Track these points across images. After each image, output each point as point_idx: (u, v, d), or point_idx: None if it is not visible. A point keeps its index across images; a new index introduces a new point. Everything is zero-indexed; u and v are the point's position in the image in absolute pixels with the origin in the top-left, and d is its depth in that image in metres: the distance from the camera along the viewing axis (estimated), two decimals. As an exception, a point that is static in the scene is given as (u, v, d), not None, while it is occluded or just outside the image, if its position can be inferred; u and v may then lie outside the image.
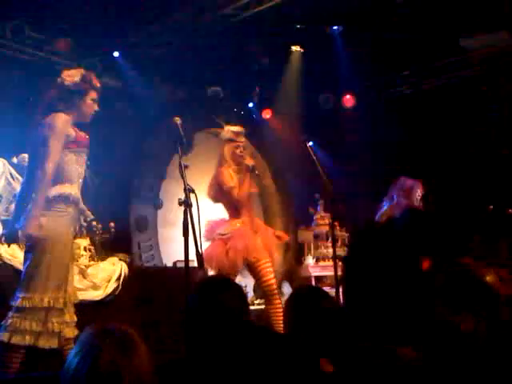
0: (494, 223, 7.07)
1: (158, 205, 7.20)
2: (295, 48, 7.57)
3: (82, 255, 5.24)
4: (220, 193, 5.09)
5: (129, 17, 6.40)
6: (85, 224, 5.51)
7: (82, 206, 3.84)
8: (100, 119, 6.74)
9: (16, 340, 3.55)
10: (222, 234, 5.02)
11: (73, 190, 3.78)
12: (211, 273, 4.97)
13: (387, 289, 2.14)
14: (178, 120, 3.71)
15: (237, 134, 5.18)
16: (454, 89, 8.21)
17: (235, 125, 5.36)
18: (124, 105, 7.24)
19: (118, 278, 5.21)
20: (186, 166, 3.58)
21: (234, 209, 5.11)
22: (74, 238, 5.18)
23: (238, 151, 5.12)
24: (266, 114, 8.81)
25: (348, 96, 8.84)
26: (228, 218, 5.16)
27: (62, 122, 3.75)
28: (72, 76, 3.88)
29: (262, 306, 6.75)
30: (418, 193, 5.80)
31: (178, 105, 7.21)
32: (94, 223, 5.61)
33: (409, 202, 5.64)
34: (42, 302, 3.59)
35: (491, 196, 7.51)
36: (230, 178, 5.02)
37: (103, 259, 5.39)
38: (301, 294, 2.59)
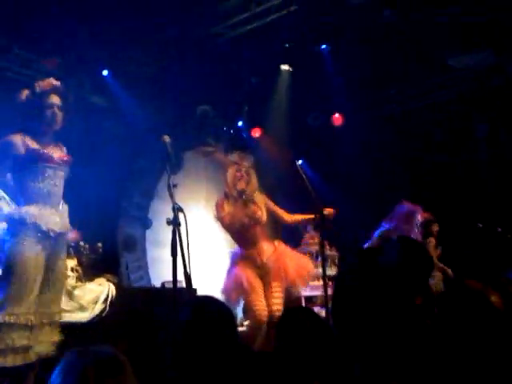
0: (484, 241, 7.08)
1: (146, 225, 7.11)
2: (284, 67, 7.58)
3: (69, 276, 5.13)
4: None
5: (118, 35, 6.38)
6: (72, 244, 5.46)
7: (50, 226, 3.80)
8: (88, 138, 6.74)
9: None
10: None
11: (33, 210, 3.75)
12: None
13: (377, 319, 2.09)
14: (166, 138, 3.67)
15: (242, 157, 5.24)
16: (442, 107, 8.26)
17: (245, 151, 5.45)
18: (112, 124, 7.19)
19: (105, 300, 5.11)
20: (174, 185, 3.53)
21: (240, 239, 5.19)
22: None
23: (238, 174, 5.13)
24: (256, 133, 8.80)
25: (337, 115, 8.86)
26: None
27: (5, 142, 3.79)
28: (22, 94, 3.94)
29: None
30: (418, 218, 5.79)
31: (167, 123, 7.17)
32: (82, 243, 5.52)
33: (408, 227, 5.62)
34: None
35: (480, 214, 7.52)
36: (221, 208, 5.08)
37: (90, 280, 5.29)
38: (290, 316, 2.55)
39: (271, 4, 6.30)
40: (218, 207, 5.12)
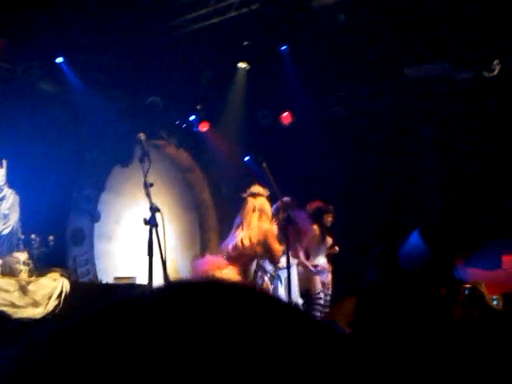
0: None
1: (95, 217, 6.90)
2: (241, 65, 7.56)
3: (21, 270, 4.95)
4: (253, 252, 5.11)
5: (73, 22, 6.18)
6: (22, 237, 5.27)
7: None
8: (37, 127, 6.47)
9: None
10: None
11: None
12: None
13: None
14: (142, 136, 3.60)
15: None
16: (388, 111, 8.49)
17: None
18: (62, 112, 6.93)
19: (59, 295, 4.96)
20: (150, 184, 3.47)
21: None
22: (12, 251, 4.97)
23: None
24: (203, 127, 8.69)
25: (285, 114, 8.90)
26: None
27: None
28: None
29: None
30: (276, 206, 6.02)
31: (119, 114, 7.01)
32: (33, 236, 5.34)
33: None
34: None
35: (424, 215, 7.81)
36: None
37: (43, 274, 5.11)
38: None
39: (233, 1, 6.28)
40: (277, 241, 5.20)
